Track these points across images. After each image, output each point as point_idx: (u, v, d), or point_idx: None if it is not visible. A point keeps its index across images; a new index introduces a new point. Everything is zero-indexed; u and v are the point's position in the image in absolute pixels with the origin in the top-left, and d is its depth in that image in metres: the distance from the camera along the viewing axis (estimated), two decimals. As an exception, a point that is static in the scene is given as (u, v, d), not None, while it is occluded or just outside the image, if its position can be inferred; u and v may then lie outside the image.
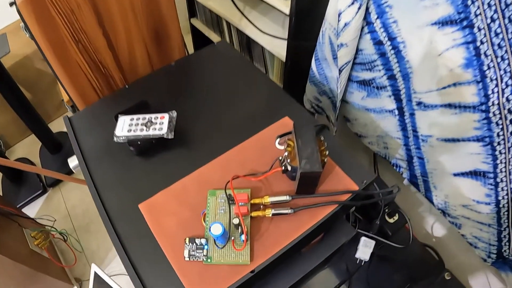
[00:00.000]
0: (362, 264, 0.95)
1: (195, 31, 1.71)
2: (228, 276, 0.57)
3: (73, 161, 0.77)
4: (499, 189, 0.79)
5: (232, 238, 0.59)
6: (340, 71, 0.88)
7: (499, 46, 0.62)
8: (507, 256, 0.88)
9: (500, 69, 0.65)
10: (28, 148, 1.92)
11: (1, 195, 1.66)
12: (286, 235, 0.60)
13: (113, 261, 1.43)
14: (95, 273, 1.05)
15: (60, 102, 1.95)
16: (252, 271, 0.57)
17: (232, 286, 0.56)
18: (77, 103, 0.96)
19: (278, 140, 0.69)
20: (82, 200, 1.66)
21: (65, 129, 1.99)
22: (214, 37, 1.57)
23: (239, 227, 0.59)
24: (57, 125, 1.94)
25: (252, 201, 0.62)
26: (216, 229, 0.55)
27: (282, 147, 0.69)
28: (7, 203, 1.30)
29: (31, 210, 1.66)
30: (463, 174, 0.84)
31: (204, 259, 0.58)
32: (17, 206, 1.49)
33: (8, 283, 1.14)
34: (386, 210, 0.95)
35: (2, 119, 1.83)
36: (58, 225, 1.49)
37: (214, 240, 0.59)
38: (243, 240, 0.58)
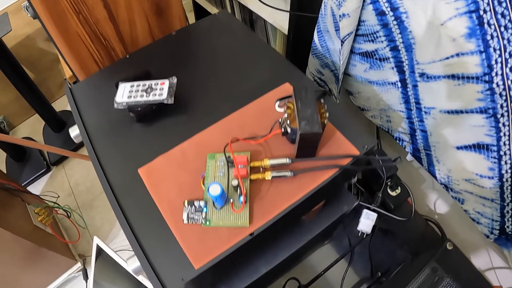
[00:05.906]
0: (364, 236, 0.95)
1: (197, 8, 1.69)
2: (227, 239, 0.56)
3: (74, 131, 0.77)
4: (502, 162, 0.78)
5: (231, 200, 0.58)
6: (342, 42, 0.87)
7: (502, 15, 0.62)
8: (509, 232, 0.88)
9: (503, 39, 0.64)
10: (31, 127, 1.93)
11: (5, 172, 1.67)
12: (286, 198, 0.59)
13: (117, 237, 1.43)
14: (97, 246, 1.06)
15: (62, 81, 1.96)
16: (251, 234, 0.56)
17: (231, 249, 0.55)
18: (78, 76, 0.96)
19: (277, 103, 0.68)
20: (86, 177, 1.66)
21: (68, 108, 2.00)
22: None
23: (238, 188, 0.58)
24: (60, 104, 1.95)
25: (251, 164, 0.61)
26: (215, 190, 0.54)
27: (282, 110, 0.68)
28: (10, 179, 1.31)
29: (35, 189, 1.68)
30: (466, 147, 0.83)
31: (203, 222, 0.57)
32: (22, 185, 1.49)
33: (11, 258, 1.14)
34: (389, 183, 0.95)
35: (5, 100, 1.84)
36: (62, 202, 1.50)
37: (213, 202, 0.58)
38: (241, 202, 0.57)
